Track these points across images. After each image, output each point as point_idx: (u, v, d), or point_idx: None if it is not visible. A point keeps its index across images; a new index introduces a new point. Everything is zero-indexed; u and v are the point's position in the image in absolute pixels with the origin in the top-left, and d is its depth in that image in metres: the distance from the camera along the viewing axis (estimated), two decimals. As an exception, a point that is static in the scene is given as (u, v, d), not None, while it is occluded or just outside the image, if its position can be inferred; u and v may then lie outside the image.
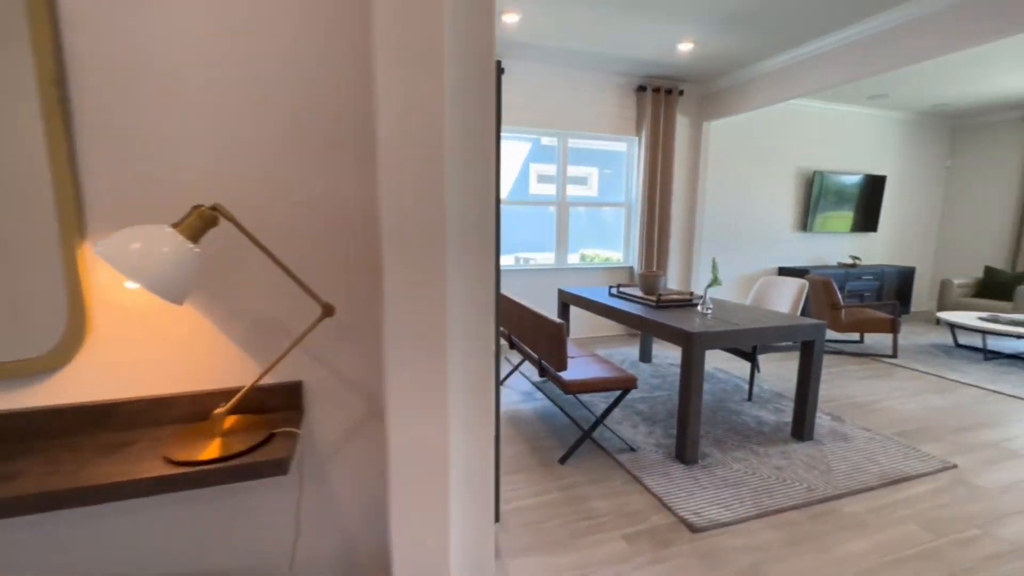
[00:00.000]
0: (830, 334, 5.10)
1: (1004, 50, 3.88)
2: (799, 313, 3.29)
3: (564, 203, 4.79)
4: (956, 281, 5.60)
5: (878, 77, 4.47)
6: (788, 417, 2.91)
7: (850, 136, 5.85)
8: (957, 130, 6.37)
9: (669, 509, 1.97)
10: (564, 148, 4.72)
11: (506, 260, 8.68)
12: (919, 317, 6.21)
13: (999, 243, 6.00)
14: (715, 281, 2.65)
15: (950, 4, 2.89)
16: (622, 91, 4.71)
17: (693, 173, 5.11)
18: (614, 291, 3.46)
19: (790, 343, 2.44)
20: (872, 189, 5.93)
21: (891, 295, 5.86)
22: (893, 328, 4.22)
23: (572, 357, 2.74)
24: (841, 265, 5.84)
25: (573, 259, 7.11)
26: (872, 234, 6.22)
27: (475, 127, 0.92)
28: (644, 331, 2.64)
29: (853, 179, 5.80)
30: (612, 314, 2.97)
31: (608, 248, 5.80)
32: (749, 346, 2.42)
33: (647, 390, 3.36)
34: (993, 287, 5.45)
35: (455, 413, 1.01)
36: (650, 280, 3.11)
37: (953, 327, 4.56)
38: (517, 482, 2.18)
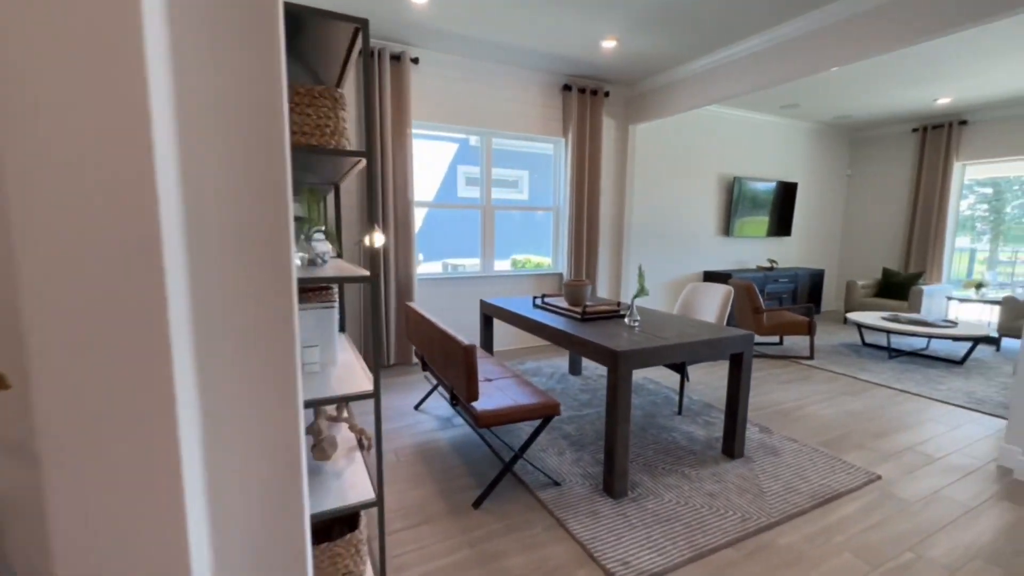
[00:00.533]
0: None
1: (898, 66, 4.11)
2: (725, 319, 3.21)
3: (489, 207, 4.49)
4: (860, 282, 5.96)
5: (792, 84, 4.61)
6: (718, 431, 2.77)
7: (765, 144, 6.07)
8: (855, 141, 6.84)
9: (595, 561, 1.70)
10: (488, 148, 4.42)
11: (433, 267, 8.21)
12: (828, 317, 6.57)
13: (894, 246, 6.49)
14: (641, 291, 2.45)
15: (861, 11, 2.92)
16: (547, 90, 4.50)
17: (620, 177, 5.02)
18: (539, 302, 3.20)
19: (719, 357, 2.28)
20: (785, 195, 6.19)
21: (805, 296, 6.14)
22: (810, 330, 4.32)
23: (489, 380, 2.42)
24: (760, 268, 6.03)
25: (503, 266, 6.78)
26: (786, 238, 6.51)
27: (239, 67, 0.56)
28: (569, 348, 2.38)
29: (769, 185, 6.01)
30: (536, 329, 2.69)
31: (541, 254, 5.60)
32: (679, 361, 2.23)
33: (575, 407, 3.12)
34: (890, 287, 5.85)
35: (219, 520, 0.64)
36: (576, 290, 2.87)
37: (860, 327, 4.79)
38: (419, 538, 1.81)
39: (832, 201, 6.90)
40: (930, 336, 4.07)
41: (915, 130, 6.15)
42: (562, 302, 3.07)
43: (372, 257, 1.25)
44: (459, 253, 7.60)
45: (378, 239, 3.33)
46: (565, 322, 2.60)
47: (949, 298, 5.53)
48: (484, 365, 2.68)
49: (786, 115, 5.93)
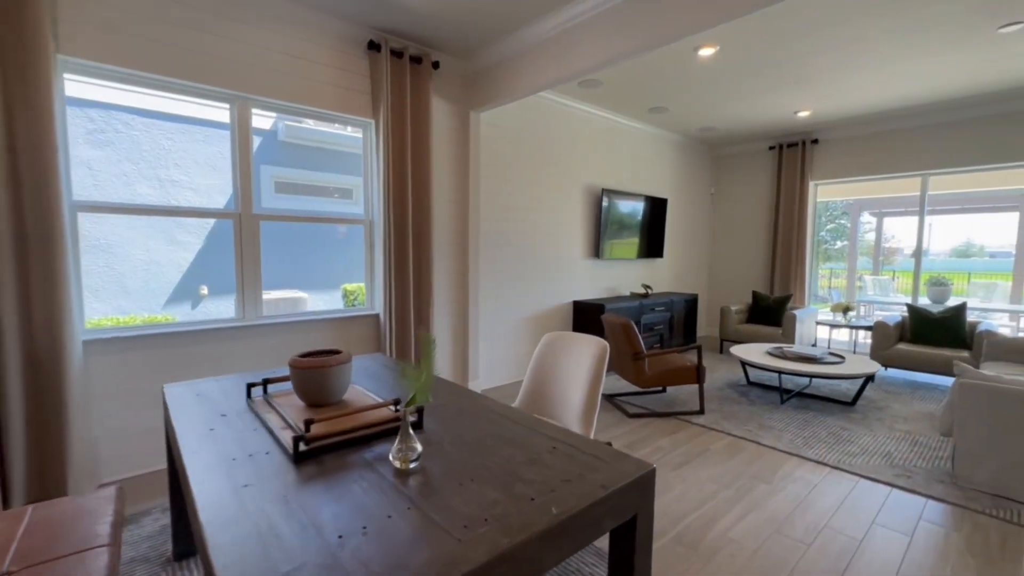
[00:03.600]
0: (630, 386, 4.22)
1: (763, 69, 3.50)
2: (599, 398, 2.00)
3: (248, 215, 2.84)
4: (733, 308, 5.46)
5: (660, 84, 3.76)
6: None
7: (634, 155, 5.34)
8: (717, 158, 6.55)
9: None
10: (243, 120, 2.80)
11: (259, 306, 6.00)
12: (703, 345, 6.03)
13: (759, 268, 6.21)
14: (415, 399, 1.07)
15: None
16: (345, 45, 3.06)
17: (462, 181, 3.74)
18: (261, 393, 1.65)
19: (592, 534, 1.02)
20: (655, 212, 5.52)
21: (681, 325, 5.47)
22: (699, 378, 3.41)
23: None
24: (634, 295, 5.22)
25: (329, 301, 5.11)
26: (658, 260, 5.85)
27: None
28: None
29: (639, 201, 5.26)
30: (182, 477, 1.15)
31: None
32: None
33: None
34: (761, 312, 5.43)
35: None
36: (312, 376, 1.39)
37: (744, 365, 4.08)
38: None
39: (700, 221, 6.49)
40: (825, 376, 3.41)
41: (772, 148, 5.95)
42: (291, 402, 1.57)
43: None
44: (312, 283, 5.62)
45: None
46: (264, 461, 1.11)
47: (818, 323, 5.23)
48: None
49: (654, 123, 5.27)
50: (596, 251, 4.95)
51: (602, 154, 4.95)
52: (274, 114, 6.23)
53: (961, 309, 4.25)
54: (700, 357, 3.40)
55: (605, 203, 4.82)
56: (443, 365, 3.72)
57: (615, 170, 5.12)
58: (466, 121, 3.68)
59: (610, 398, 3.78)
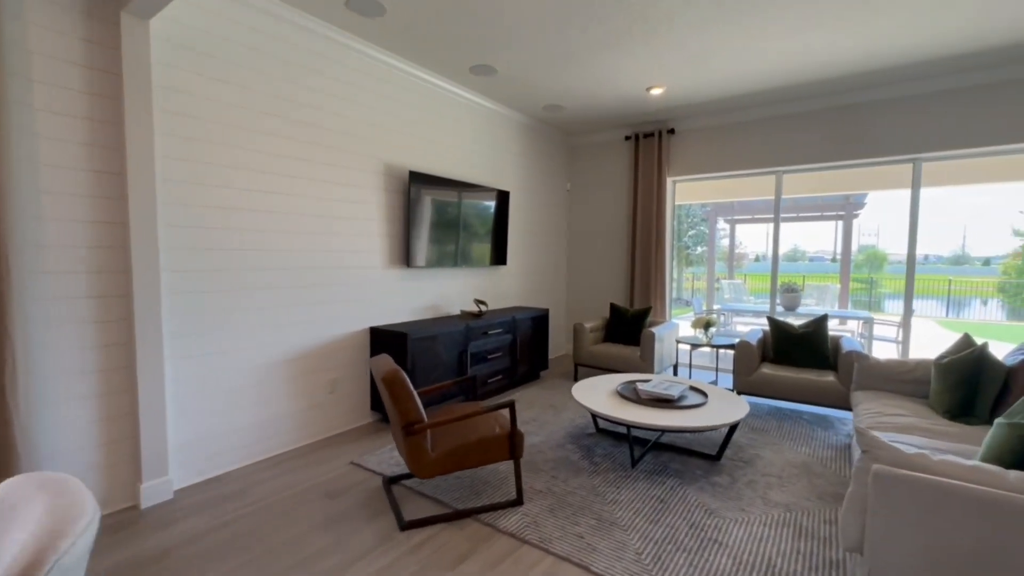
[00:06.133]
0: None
1: (598, 18, 2.53)
2: None
3: None
4: (588, 324, 4.51)
5: (476, 30, 2.54)
6: None
7: (461, 133, 4.13)
8: (573, 149, 5.67)
9: None
10: None
11: None
12: (558, 368, 5.04)
13: (620, 276, 5.41)
14: None
15: None
16: None
17: (114, 134, 2.14)
18: None
19: None
20: (498, 209, 4.37)
21: (526, 351, 4.36)
22: (513, 453, 2.22)
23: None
24: (464, 315, 3.99)
25: None
26: (501, 268, 4.72)
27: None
28: None
29: (471, 192, 4.06)
30: None
31: None
32: None
33: None
34: (620, 328, 4.57)
35: None
36: None
37: (595, 417, 3.05)
38: None
39: (555, 221, 5.53)
40: (683, 431, 2.45)
41: (628, 138, 5.19)
42: None
43: None
44: None
45: None
46: None
47: (679, 341, 4.49)
48: None
49: (487, 94, 4.11)
50: (407, 258, 3.61)
51: (410, 126, 3.64)
52: None
53: (822, 322, 3.71)
54: (514, 420, 2.21)
55: (415, 192, 3.52)
56: (85, 458, 2.07)
57: (433, 150, 3.85)
58: (114, 30, 2.09)
59: (391, 484, 2.45)
